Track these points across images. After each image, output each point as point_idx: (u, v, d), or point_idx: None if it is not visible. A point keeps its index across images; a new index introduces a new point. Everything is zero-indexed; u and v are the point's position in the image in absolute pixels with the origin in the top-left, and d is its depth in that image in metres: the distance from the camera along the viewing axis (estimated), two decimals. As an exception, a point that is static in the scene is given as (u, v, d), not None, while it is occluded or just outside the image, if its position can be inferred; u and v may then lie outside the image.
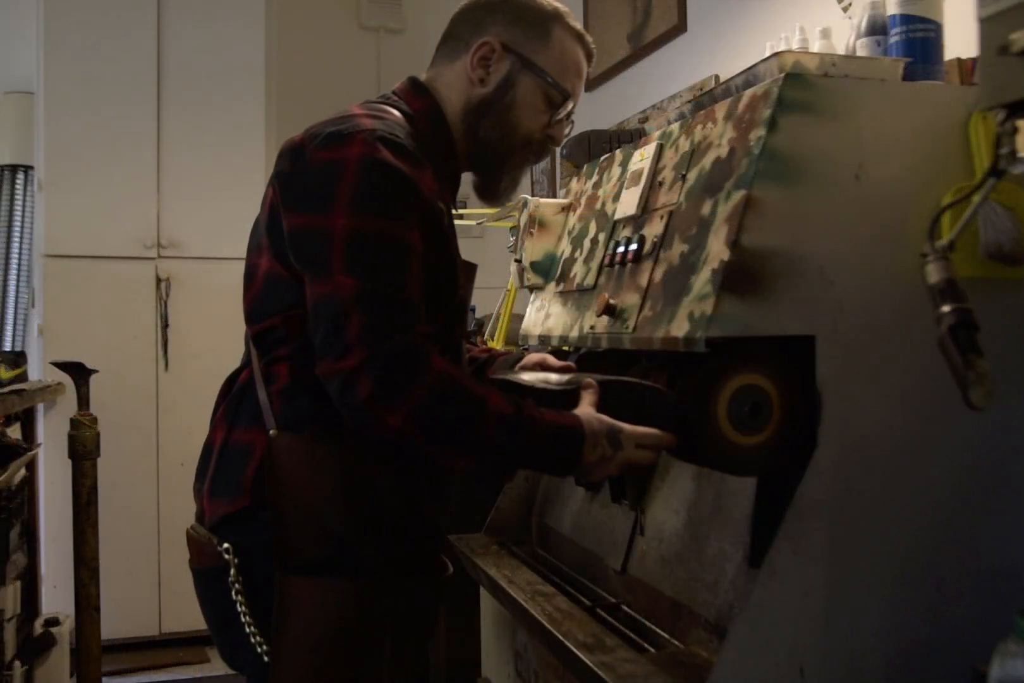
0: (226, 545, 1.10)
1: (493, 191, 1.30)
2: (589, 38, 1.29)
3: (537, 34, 1.23)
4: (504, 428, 1.04)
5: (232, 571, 1.10)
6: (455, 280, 1.20)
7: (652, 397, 1.13)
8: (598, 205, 1.55)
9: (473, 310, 3.20)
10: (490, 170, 1.28)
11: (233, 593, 1.09)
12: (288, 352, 1.13)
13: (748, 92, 1.16)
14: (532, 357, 1.41)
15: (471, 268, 1.27)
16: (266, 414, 1.11)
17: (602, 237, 1.47)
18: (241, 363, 1.23)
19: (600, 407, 1.14)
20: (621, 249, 1.33)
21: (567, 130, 1.31)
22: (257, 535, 1.10)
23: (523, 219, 1.72)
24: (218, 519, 1.13)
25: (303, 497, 1.09)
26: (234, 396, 1.19)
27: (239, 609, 1.09)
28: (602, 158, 1.64)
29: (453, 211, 1.25)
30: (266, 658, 1.09)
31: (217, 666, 3.16)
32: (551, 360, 1.39)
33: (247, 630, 1.09)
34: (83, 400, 2.63)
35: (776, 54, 1.18)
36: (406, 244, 1.07)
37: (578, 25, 1.28)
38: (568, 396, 1.16)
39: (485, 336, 2.75)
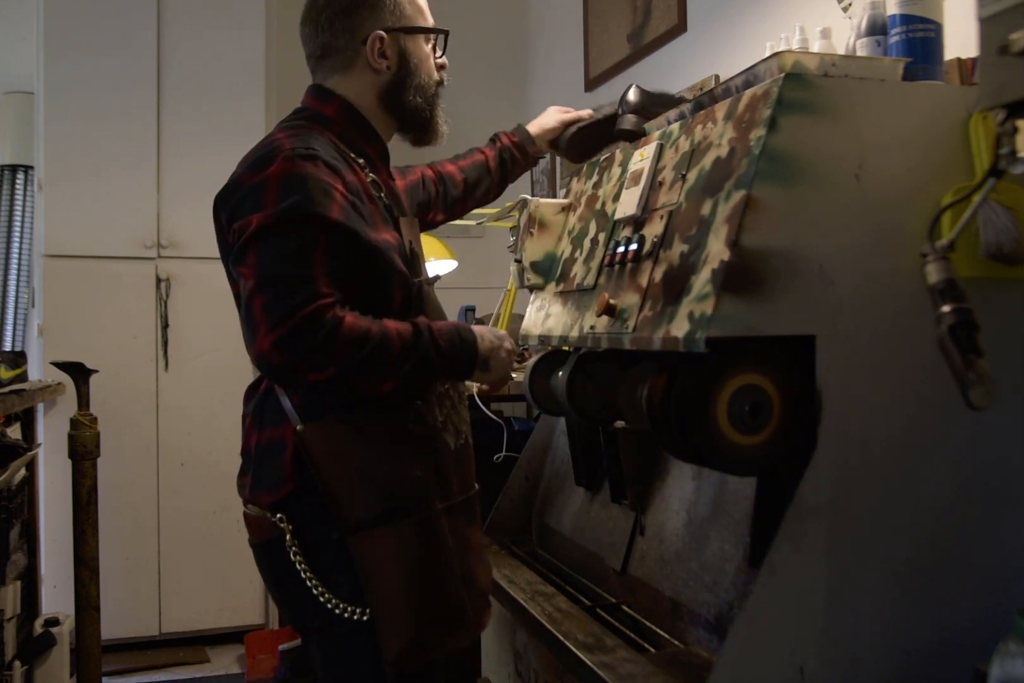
0: (280, 515, 1.25)
1: (434, 134, 1.47)
2: None
3: (387, 3, 1.38)
4: (405, 345, 1.20)
5: (288, 537, 1.24)
6: (390, 262, 1.30)
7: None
8: (598, 205, 1.55)
9: (473, 310, 3.20)
10: (427, 122, 1.45)
11: (291, 554, 1.23)
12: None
13: (748, 92, 1.16)
14: (543, 125, 1.78)
15: (412, 223, 1.42)
16: (288, 411, 1.25)
17: (602, 237, 1.47)
18: (259, 374, 1.34)
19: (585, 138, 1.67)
20: (621, 249, 1.33)
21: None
22: (305, 505, 1.24)
23: (523, 219, 1.72)
24: (268, 505, 1.27)
25: (346, 467, 1.22)
26: (258, 403, 1.32)
27: (298, 568, 1.23)
28: (602, 158, 1.64)
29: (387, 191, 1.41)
30: (330, 606, 1.22)
31: (217, 666, 3.16)
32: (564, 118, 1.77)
33: (308, 584, 1.23)
34: (83, 400, 2.63)
35: (776, 54, 1.18)
36: (311, 239, 1.18)
37: None
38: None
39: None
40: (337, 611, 1.23)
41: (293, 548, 1.24)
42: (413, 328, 1.23)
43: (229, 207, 1.28)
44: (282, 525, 1.25)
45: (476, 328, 1.32)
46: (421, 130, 1.47)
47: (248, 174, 1.26)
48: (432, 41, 1.45)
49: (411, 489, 1.25)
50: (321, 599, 1.23)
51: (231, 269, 1.27)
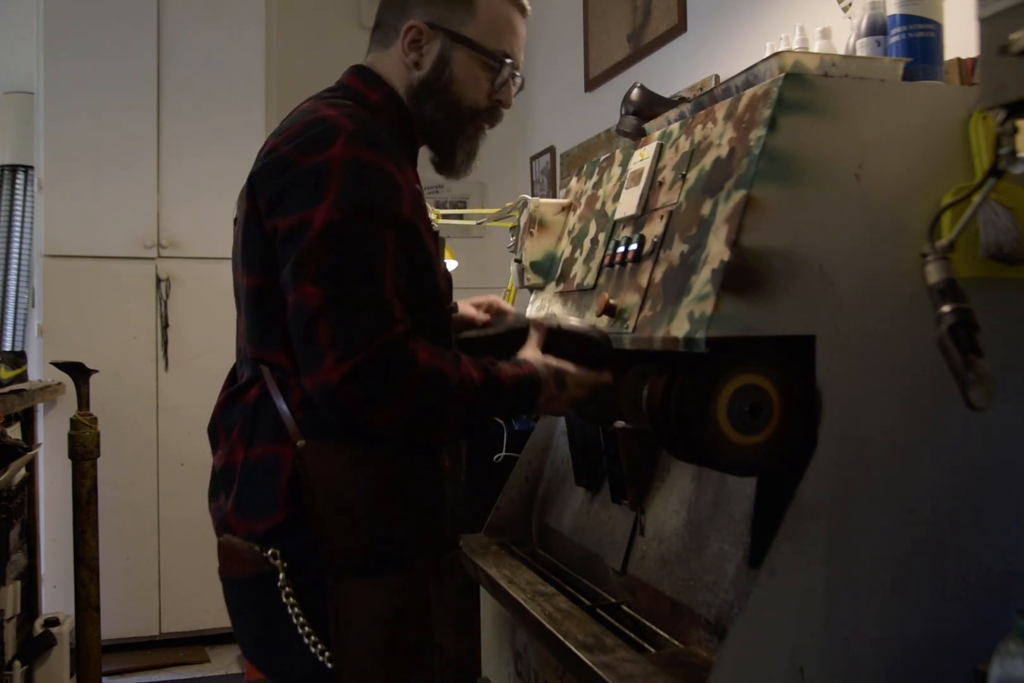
0: (272, 551, 1.10)
1: (450, 166, 1.30)
2: None
3: (461, 4, 1.22)
4: (477, 397, 1.10)
5: (281, 576, 1.09)
6: (435, 280, 1.19)
7: (592, 346, 1.25)
8: (598, 205, 1.55)
9: (473, 310, 3.20)
10: (443, 147, 1.28)
11: (283, 596, 1.09)
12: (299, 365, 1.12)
13: (748, 92, 1.16)
14: (460, 311, 1.44)
15: (441, 242, 1.29)
16: (289, 425, 1.11)
17: (602, 237, 1.47)
18: (245, 381, 1.20)
19: (544, 349, 1.24)
20: (621, 249, 1.33)
21: (516, 91, 1.30)
22: (302, 539, 1.10)
23: (523, 219, 1.72)
24: (259, 536, 1.12)
25: (341, 500, 1.09)
26: (249, 413, 1.17)
27: (290, 612, 1.09)
28: (602, 158, 1.64)
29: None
30: (322, 659, 1.09)
31: (217, 666, 3.16)
32: (471, 313, 1.43)
33: (300, 631, 1.09)
34: (83, 400, 2.63)
35: (776, 54, 1.18)
36: (380, 242, 1.07)
37: None
38: (515, 335, 1.28)
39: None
40: (330, 665, 1.09)
41: (287, 589, 1.09)
42: (484, 375, 1.10)
43: (274, 188, 1.10)
44: (275, 562, 1.09)
45: (541, 371, 1.17)
46: (436, 151, 1.29)
47: (300, 153, 1.09)
48: (493, 69, 1.25)
49: (409, 537, 1.14)
50: (312, 649, 1.09)
51: (284, 275, 1.08)
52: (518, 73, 1.28)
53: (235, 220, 1.23)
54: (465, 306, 1.44)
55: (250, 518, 1.13)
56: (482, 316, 1.42)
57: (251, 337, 1.19)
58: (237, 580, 1.18)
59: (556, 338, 1.25)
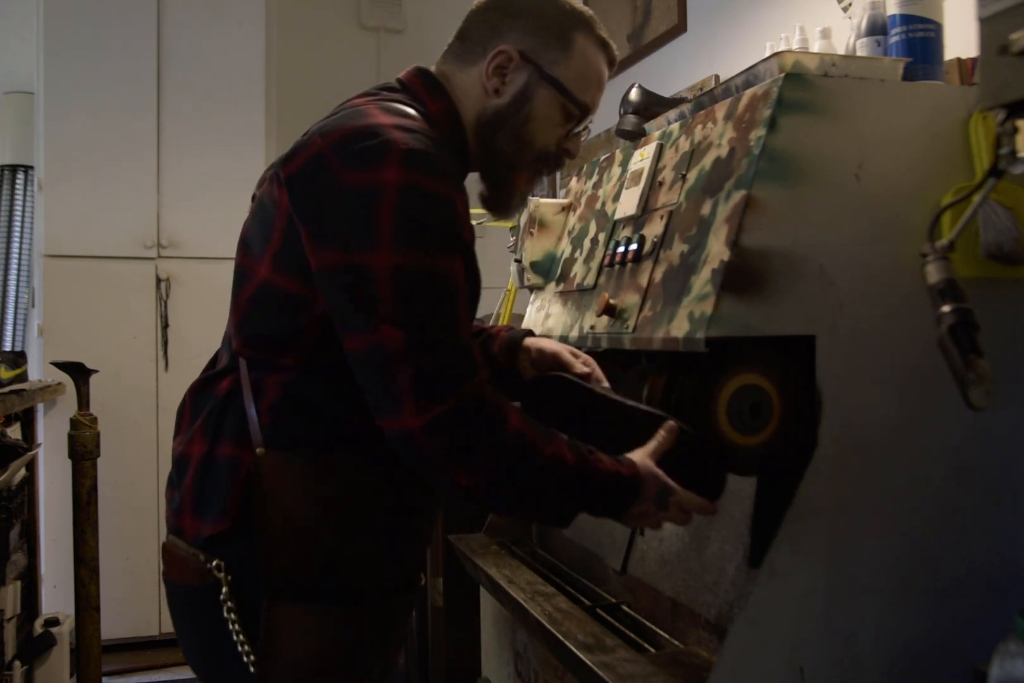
0: (216, 562, 1.04)
1: (504, 206, 1.24)
2: (613, 45, 1.23)
3: (558, 43, 1.16)
4: (566, 483, 1.01)
5: (224, 589, 1.03)
6: (476, 301, 1.15)
7: (713, 471, 1.11)
8: (598, 205, 1.55)
9: (473, 310, 3.20)
10: (501, 184, 1.22)
11: (225, 611, 1.03)
12: (281, 367, 1.07)
13: (748, 92, 1.16)
14: (544, 344, 1.36)
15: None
16: (253, 430, 1.05)
17: (602, 237, 1.47)
18: (221, 368, 1.14)
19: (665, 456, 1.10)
20: (621, 249, 1.33)
21: (584, 138, 1.25)
22: (246, 551, 1.04)
23: (523, 219, 1.72)
24: (203, 539, 1.06)
25: (291, 520, 1.04)
26: (215, 407, 1.10)
27: (232, 628, 1.03)
28: (602, 158, 1.64)
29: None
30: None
31: (217, 666, 3.16)
32: (567, 356, 1.33)
33: (240, 649, 1.03)
34: (83, 400, 2.63)
35: (776, 54, 1.18)
36: (453, 281, 1.01)
37: (603, 31, 1.21)
38: (649, 421, 1.11)
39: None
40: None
41: (228, 604, 1.02)
42: (578, 460, 1.01)
43: (316, 205, 1.01)
44: (219, 574, 1.03)
45: (645, 479, 1.05)
46: (491, 187, 1.22)
47: (346, 167, 0.98)
48: (572, 116, 1.19)
49: (358, 571, 1.08)
50: (252, 668, 1.03)
51: (343, 313, 0.99)
52: (591, 126, 1.23)
53: (253, 197, 1.15)
54: (557, 348, 1.34)
55: (201, 518, 1.07)
56: (580, 366, 1.31)
57: (246, 330, 1.11)
58: (180, 587, 1.12)
59: (689, 448, 1.09)
